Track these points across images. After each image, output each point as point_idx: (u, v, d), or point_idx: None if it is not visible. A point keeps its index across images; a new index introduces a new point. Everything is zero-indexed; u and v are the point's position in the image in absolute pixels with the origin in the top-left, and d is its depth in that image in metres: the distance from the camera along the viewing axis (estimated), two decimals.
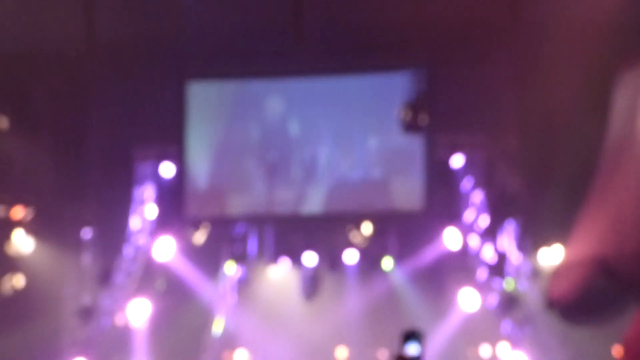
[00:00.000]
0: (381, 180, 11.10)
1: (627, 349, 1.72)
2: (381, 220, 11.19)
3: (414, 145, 10.81)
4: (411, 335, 6.74)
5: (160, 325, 11.34)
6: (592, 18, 8.83)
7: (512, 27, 10.29)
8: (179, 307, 11.37)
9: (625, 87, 1.65)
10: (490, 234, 10.94)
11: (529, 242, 10.89)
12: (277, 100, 11.28)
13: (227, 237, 11.50)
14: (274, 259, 11.59)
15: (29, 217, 11.28)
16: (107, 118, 11.30)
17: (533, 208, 10.64)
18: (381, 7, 10.42)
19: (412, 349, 6.66)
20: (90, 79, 11.05)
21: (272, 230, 11.61)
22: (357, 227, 11.23)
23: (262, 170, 11.18)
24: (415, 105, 9.79)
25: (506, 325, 10.86)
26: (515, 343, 10.78)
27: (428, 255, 11.22)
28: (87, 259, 11.53)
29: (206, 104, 11.40)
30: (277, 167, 11.15)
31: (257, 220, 11.45)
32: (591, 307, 1.72)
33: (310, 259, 11.44)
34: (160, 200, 11.59)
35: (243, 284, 11.63)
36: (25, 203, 11.28)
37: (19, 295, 11.31)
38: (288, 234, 11.49)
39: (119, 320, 11.36)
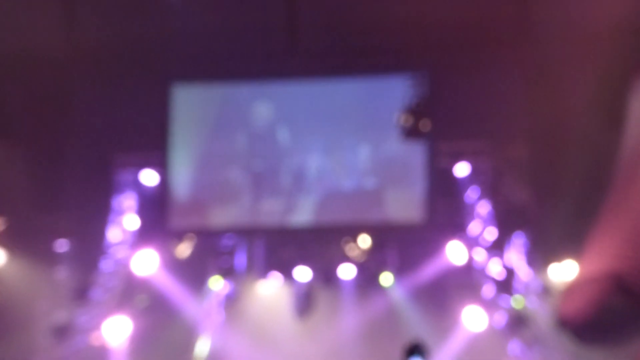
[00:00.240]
0: (377, 190, 11.08)
1: None
2: (379, 233, 11.23)
3: (414, 152, 10.85)
4: (415, 349, 6.71)
5: (141, 345, 11.34)
6: (605, 19, 8.82)
7: (520, 28, 10.33)
8: (161, 325, 11.41)
9: None
10: (497, 247, 10.98)
11: (539, 256, 10.94)
12: (266, 106, 11.34)
13: (214, 250, 11.54)
14: (264, 273, 11.61)
15: (1, 228, 11.28)
16: (86, 123, 11.34)
17: (543, 220, 10.69)
18: (380, 7, 10.46)
19: None
20: (69, 83, 11.09)
21: (261, 243, 11.68)
22: (354, 239, 11.28)
23: (250, 180, 11.24)
24: (416, 111, 9.82)
25: (514, 346, 10.89)
26: None
27: (430, 270, 11.25)
28: (62, 273, 11.56)
29: (192, 108, 11.46)
30: (265, 176, 11.21)
31: (246, 232, 11.48)
32: (606, 326, 1.71)
33: (303, 273, 11.47)
34: (142, 210, 11.63)
35: (230, 301, 11.65)
36: None
37: None
38: (279, 246, 11.53)
39: (95, 339, 11.32)
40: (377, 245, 11.30)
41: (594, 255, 1.74)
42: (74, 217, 11.40)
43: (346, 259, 11.40)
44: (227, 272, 11.52)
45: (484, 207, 11.13)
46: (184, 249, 11.45)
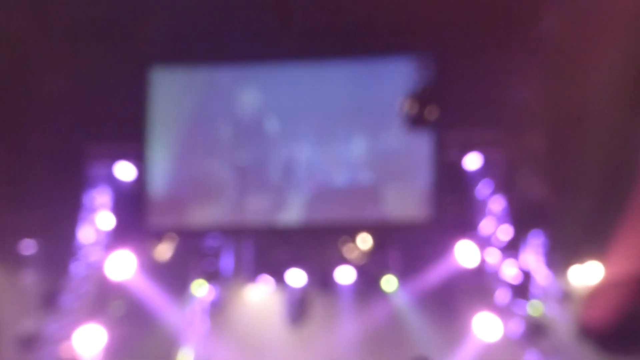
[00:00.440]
0: (373, 185, 11.13)
1: None
2: (381, 232, 11.23)
3: (418, 143, 10.85)
4: None
5: (116, 357, 11.33)
6: None
7: (538, 4, 10.28)
8: (138, 335, 11.41)
9: None
10: (512, 248, 10.99)
11: (559, 257, 10.96)
12: (253, 92, 11.33)
13: (197, 252, 11.55)
14: (253, 277, 11.63)
15: None
16: (53, 110, 11.28)
17: (563, 217, 10.65)
18: None
19: None
20: (35, 65, 11.00)
21: (250, 243, 11.70)
22: (352, 239, 11.28)
23: (235, 174, 11.23)
24: (422, 97, 9.68)
25: (532, 357, 10.87)
26: None
27: (437, 273, 11.27)
28: (28, 277, 11.52)
29: (172, 95, 11.47)
30: (252, 170, 11.23)
31: (233, 231, 11.50)
32: (633, 335, 1.71)
33: (296, 277, 11.49)
34: (117, 207, 11.63)
35: (216, 308, 11.68)
36: None
37: None
38: (269, 247, 11.56)
39: (66, 351, 11.27)
40: (378, 245, 11.30)
41: (620, 256, 1.74)
42: (41, 216, 11.31)
43: (344, 261, 11.41)
44: (212, 276, 11.52)
45: (497, 203, 11.14)
46: (164, 251, 11.43)
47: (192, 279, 11.49)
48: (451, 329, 11.25)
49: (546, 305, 10.92)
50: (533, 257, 11.01)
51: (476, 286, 11.17)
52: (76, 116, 11.26)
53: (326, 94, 11.20)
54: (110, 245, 11.48)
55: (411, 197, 10.99)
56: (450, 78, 10.56)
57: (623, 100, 8.97)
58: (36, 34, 10.69)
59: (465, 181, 11.23)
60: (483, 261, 11.10)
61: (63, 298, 11.36)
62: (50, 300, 11.34)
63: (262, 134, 11.28)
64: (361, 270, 11.45)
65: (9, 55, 10.71)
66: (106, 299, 11.53)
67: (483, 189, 11.20)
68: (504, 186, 11.11)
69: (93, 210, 11.58)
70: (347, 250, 11.34)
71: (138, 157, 11.46)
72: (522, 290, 10.94)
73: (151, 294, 11.54)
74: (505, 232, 11.06)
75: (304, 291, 11.57)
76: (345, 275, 11.52)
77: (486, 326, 11.09)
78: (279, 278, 11.52)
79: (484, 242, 11.11)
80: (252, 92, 11.33)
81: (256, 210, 11.16)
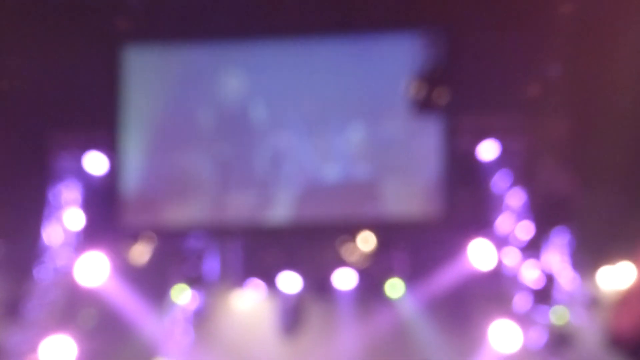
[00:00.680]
0: (374, 179, 11.11)
1: None
2: (385, 231, 11.22)
3: (426, 131, 10.79)
4: None
5: None
6: None
7: None
8: (112, 348, 11.39)
9: None
10: (533, 248, 10.99)
11: (586, 258, 10.99)
12: (236, 73, 11.25)
13: (178, 254, 11.56)
14: (241, 281, 11.64)
15: None
16: (14, 94, 11.24)
17: (590, 213, 10.72)
18: None
19: None
20: None
21: (238, 244, 11.71)
22: (352, 239, 11.27)
23: (217, 167, 11.21)
24: (431, 78, 9.52)
25: None
26: None
27: (448, 276, 11.28)
28: None
29: (147, 77, 11.38)
30: (236, 162, 11.19)
31: (218, 231, 11.49)
32: None
33: (290, 281, 11.50)
34: (88, 204, 11.60)
35: (200, 317, 11.71)
36: None
37: None
38: (259, 249, 11.57)
39: None
40: (381, 246, 11.32)
41: None
42: (1, 214, 11.27)
43: (343, 263, 11.41)
44: (195, 281, 11.53)
45: (516, 198, 11.14)
46: (141, 253, 11.41)
47: (173, 284, 11.51)
48: (464, 339, 11.30)
49: (572, 312, 10.97)
50: (557, 258, 11.04)
51: (492, 291, 11.20)
52: (40, 101, 11.21)
53: (319, 75, 11.15)
54: (80, 247, 11.45)
55: (415, 192, 10.98)
56: (463, 56, 10.51)
57: None
58: None
59: (480, 173, 11.23)
60: (500, 263, 11.11)
61: (27, 306, 11.36)
62: (12, 309, 11.34)
63: (246, 122, 11.24)
64: (363, 273, 11.47)
65: None
66: (76, 308, 11.52)
67: (500, 181, 11.19)
68: (524, 178, 11.13)
69: (60, 207, 11.55)
70: (347, 252, 11.35)
71: (110, 148, 11.40)
72: (544, 295, 10.98)
73: (126, 301, 11.51)
74: (526, 230, 11.08)
75: (298, 297, 11.60)
76: (344, 279, 11.53)
77: (504, 336, 11.07)
78: (270, 283, 11.53)
79: (501, 242, 11.11)
80: (236, 74, 11.28)
81: (240, 207, 11.17)
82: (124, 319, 11.47)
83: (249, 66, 11.29)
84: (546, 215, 10.98)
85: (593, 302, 10.89)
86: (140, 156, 11.38)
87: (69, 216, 11.53)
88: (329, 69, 11.15)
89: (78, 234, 11.53)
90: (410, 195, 11.00)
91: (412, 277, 11.42)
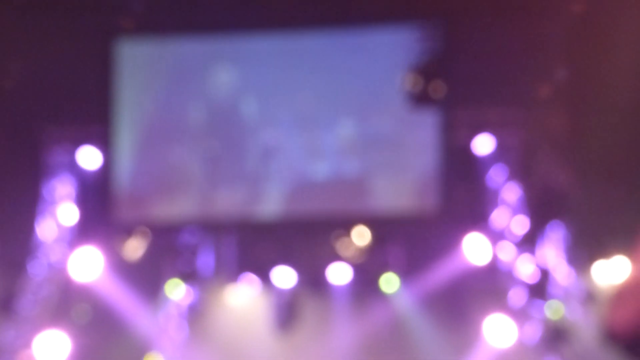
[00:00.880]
0: (364, 175, 11.08)
1: None
2: (380, 225, 11.16)
3: (419, 126, 10.77)
4: None
5: None
6: None
7: None
8: (106, 343, 11.38)
9: None
10: (528, 242, 10.96)
11: (582, 253, 10.95)
12: (227, 68, 11.24)
13: (172, 249, 11.48)
14: (236, 276, 11.56)
15: None
16: (6, 88, 11.19)
17: (586, 208, 10.73)
18: None
19: None
20: None
21: (232, 239, 11.61)
22: (347, 234, 11.22)
23: (208, 162, 11.19)
24: (426, 71, 9.63)
25: None
26: None
27: (444, 271, 11.21)
28: None
29: (141, 71, 11.36)
30: (226, 158, 11.16)
31: (212, 226, 11.44)
32: None
33: (284, 276, 11.43)
34: (81, 199, 11.53)
35: (194, 312, 11.63)
36: None
37: None
38: (254, 243, 11.52)
39: None
40: (377, 240, 11.27)
41: None
42: None
43: (338, 258, 11.37)
44: (189, 276, 11.45)
45: (511, 192, 11.11)
46: (135, 248, 11.34)
47: (167, 279, 11.44)
48: (459, 334, 11.25)
49: (567, 307, 10.92)
50: (552, 253, 11.00)
51: (488, 286, 11.14)
52: (33, 96, 11.18)
53: (311, 70, 11.16)
54: (73, 242, 11.40)
55: (410, 187, 11.03)
56: (459, 50, 10.54)
57: None
58: None
59: (476, 167, 11.19)
60: (495, 257, 11.06)
61: (21, 302, 11.30)
62: (6, 304, 11.28)
63: (237, 118, 11.24)
64: (358, 268, 11.42)
65: None
66: (70, 303, 11.45)
67: (496, 175, 11.15)
68: (520, 172, 11.10)
69: (54, 202, 11.49)
70: (342, 246, 11.29)
71: (104, 142, 11.36)
72: (539, 290, 10.93)
73: (120, 296, 11.44)
74: (521, 225, 11.04)
75: (293, 292, 11.53)
76: (339, 274, 11.48)
77: (499, 331, 11.02)
78: (264, 278, 11.47)
79: (496, 236, 11.06)
80: (227, 68, 11.28)
81: (232, 203, 11.19)
82: (118, 314, 11.41)
83: (240, 60, 11.31)
84: (541, 209, 10.96)
85: (588, 296, 10.85)
86: (134, 151, 11.35)
87: (63, 211, 11.49)
88: (322, 63, 11.15)
89: (72, 229, 11.47)
90: (406, 189, 11.02)
91: (407, 272, 11.38)
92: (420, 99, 9.77)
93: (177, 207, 11.29)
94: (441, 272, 11.21)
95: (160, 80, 11.37)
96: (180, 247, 11.47)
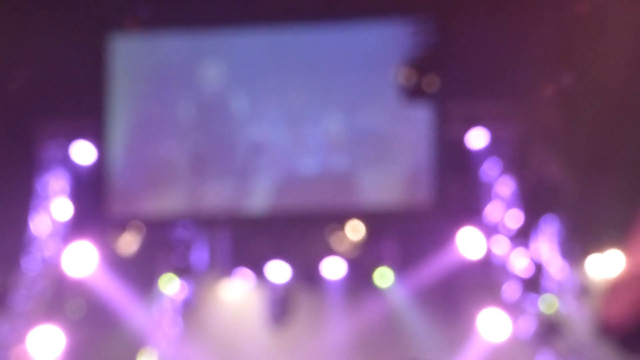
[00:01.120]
0: (365, 167, 11.06)
1: None
2: (374, 220, 11.12)
3: (410, 120, 10.73)
4: None
5: None
6: None
7: None
8: (100, 338, 11.34)
9: None
10: (522, 236, 10.93)
11: (576, 247, 10.92)
12: (216, 62, 11.23)
13: (166, 243, 11.43)
14: (230, 271, 11.55)
15: None
16: (1, 84, 11.11)
17: (580, 201, 10.65)
18: None
19: None
20: None
21: (227, 234, 11.60)
22: (341, 228, 11.18)
23: (199, 156, 11.16)
24: (420, 65, 9.59)
25: (544, 358, 10.82)
26: None
27: (438, 266, 11.20)
28: None
29: (135, 64, 11.35)
30: (214, 152, 11.16)
31: (207, 220, 11.40)
32: None
33: (278, 271, 11.40)
34: (75, 193, 11.48)
35: (188, 307, 11.57)
36: None
37: None
38: (248, 238, 11.49)
39: (18, 356, 11.16)
40: (371, 235, 11.23)
41: None
42: None
43: (332, 252, 11.33)
44: (183, 271, 11.41)
45: (505, 186, 11.08)
46: (129, 242, 11.30)
47: (161, 274, 11.41)
48: (454, 328, 11.24)
49: (561, 301, 10.89)
50: (546, 247, 10.97)
51: (482, 280, 11.12)
52: (26, 91, 11.13)
53: (299, 63, 11.13)
54: (67, 237, 11.36)
55: (404, 181, 10.99)
56: (453, 43, 10.43)
57: None
58: None
59: (469, 161, 11.16)
60: (489, 252, 11.05)
61: (14, 297, 11.26)
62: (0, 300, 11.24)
63: (226, 112, 11.22)
64: (352, 263, 11.38)
65: None
66: (64, 298, 11.40)
67: (489, 169, 11.13)
68: (514, 166, 11.08)
69: (47, 197, 11.44)
70: (336, 241, 11.25)
71: (98, 136, 11.32)
72: (533, 284, 10.90)
73: (114, 291, 11.41)
74: (515, 219, 11.02)
75: (287, 287, 11.50)
76: (333, 268, 11.45)
77: (493, 325, 11.03)
78: (258, 272, 11.43)
79: (490, 230, 11.04)
80: (216, 63, 11.26)
81: (224, 197, 11.16)
82: (112, 309, 11.38)
83: (229, 55, 11.30)
84: (535, 203, 10.96)
85: (582, 290, 10.83)
86: (128, 145, 11.34)
87: (57, 206, 11.45)
88: (311, 58, 11.14)
89: (65, 224, 11.43)
90: (398, 184, 11.00)
91: (401, 266, 11.37)
92: (414, 92, 9.73)
93: (168, 201, 11.28)
94: (435, 267, 11.21)
95: (150, 75, 11.34)
96: (174, 242, 11.41)
